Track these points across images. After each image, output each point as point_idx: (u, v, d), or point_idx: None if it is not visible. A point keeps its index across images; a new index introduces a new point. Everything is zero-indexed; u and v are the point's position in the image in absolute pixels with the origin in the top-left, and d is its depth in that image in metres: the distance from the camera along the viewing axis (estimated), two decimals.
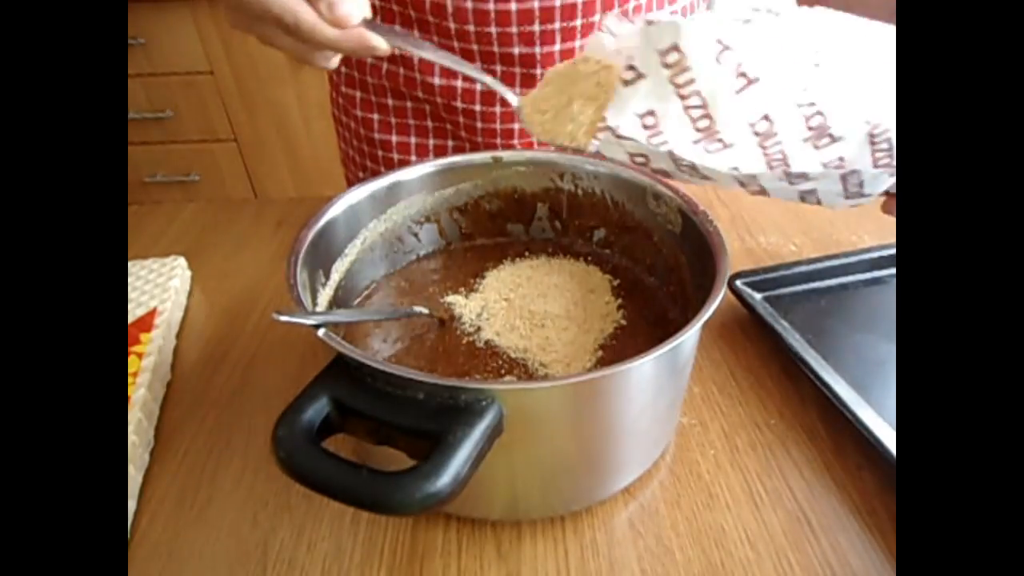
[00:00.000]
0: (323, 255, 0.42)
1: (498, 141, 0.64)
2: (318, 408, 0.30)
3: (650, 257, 0.47)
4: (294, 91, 1.55)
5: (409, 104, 0.64)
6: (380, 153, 0.68)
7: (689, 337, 0.32)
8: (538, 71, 0.60)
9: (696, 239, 0.41)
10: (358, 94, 0.66)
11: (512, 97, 0.39)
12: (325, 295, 0.42)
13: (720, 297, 0.34)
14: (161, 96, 1.54)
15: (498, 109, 0.62)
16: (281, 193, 1.70)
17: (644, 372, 0.33)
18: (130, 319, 0.49)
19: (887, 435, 0.38)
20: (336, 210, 0.43)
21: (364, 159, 0.70)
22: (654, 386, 0.34)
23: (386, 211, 0.47)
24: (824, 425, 0.42)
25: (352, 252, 0.45)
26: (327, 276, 0.43)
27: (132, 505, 0.38)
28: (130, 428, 0.39)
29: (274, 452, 0.28)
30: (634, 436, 0.36)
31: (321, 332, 0.33)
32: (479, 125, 0.63)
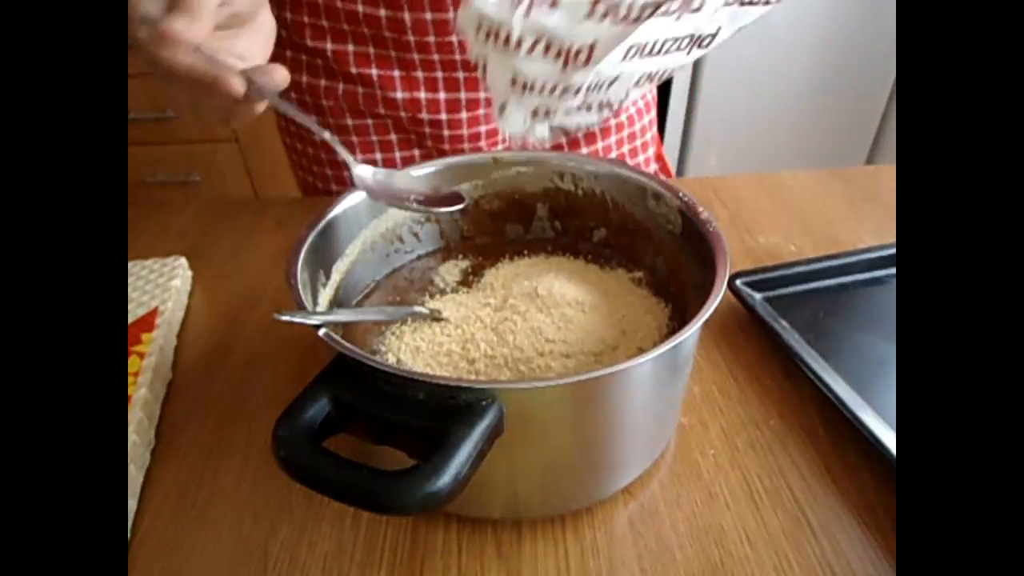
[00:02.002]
0: (323, 255, 0.42)
1: (465, 147, 0.64)
2: (318, 408, 0.30)
3: (650, 258, 0.47)
4: None
5: (370, 121, 0.64)
6: (346, 174, 0.67)
7: (689, 337, 0.32)
8: None
9: (696, 240, 0.41)
10: (313, 119, 0.65)
11: (350, 159, 0.42)
12: (325, 295, 0.42)
13: (720, 298, 0.34)
14: (161, 96, 1.54)
15: (464, 115, 0.62)
16: (281, 193, 1.70)
17: (644, 372, 0.33)
18: (131, 319, 0.49)
19: (887, 435, 0.38)
20: (336, 210, 0.43)
21: (329, 183, 0.69)
22: (654, 386, 0.34)
23: (387, 211, 0.47)
24: (824, 425, 0.42)
25: (353, 252, 0.45)
26: (327, 276, 0.43)
27: (133, 505, 0.38)
28: (131, 427, 0.40)
29: (275, 452, 0.28)
30: (634, 436, 0.36)
31: (322, 332, 0.33)
32: (446, 133, 0.63)
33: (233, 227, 0.65)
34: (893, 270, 0.53)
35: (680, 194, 0.43)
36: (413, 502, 0.26)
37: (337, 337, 0.32)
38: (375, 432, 0.31)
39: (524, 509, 0.37)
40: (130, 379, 0.43)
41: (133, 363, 0.45)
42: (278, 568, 0.35)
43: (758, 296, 0.50)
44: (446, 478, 0.26)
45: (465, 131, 0.63)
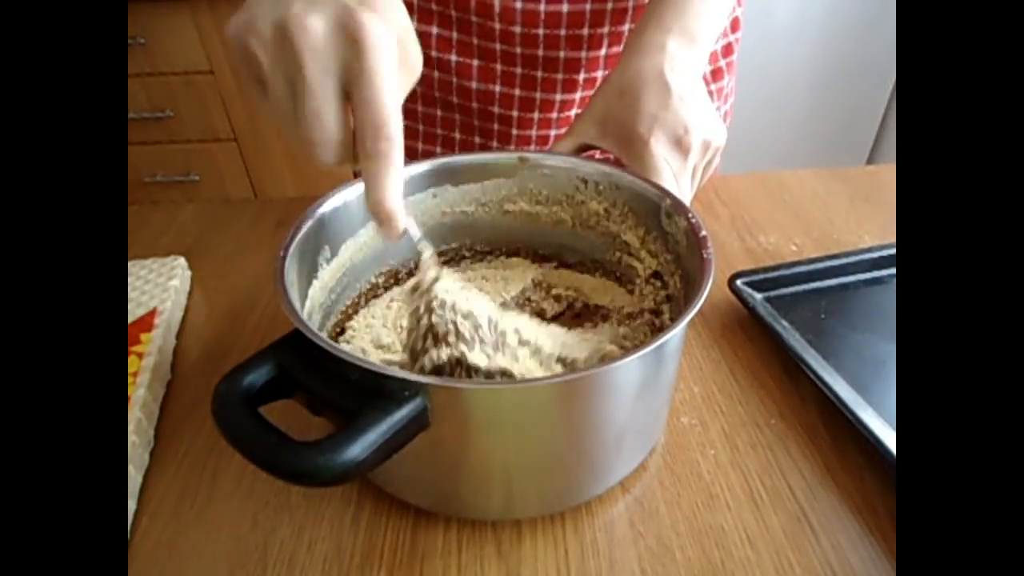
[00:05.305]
0: (332, 234, 0.44)
1: (532, 148, 0.63)
2: (262, 372, 0.32)
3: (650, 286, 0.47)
4: None
5: (439, 113, 0.63)
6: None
7: (621, 367, 0.31)
8: (581, 76, 0.59)
9: (691, 266, 0.40)
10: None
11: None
12: (329, 271, 0.43)
13: (689, 320, 0.33)
14: (161, 96, 1.54)
15: (536, 115, 0.61)
16: (281, 193, 1.70)
17: (580, 387, 0.32)
18: (130, 319, 0.49)
19: (887, 435, 0.38)
20: (336, 201, 0.45)
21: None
22: (599, 400, 0.33)
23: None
24: (824, 425, 0.42)
25: (364, 234, 0.46)
26: (333, 253, 0.44)
27: (132, 505, 0.38)
28: (130, 428, 0.39)
29: (211, 405, 0.30)
30: (601, 437, 0.35)
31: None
32: (514, 132, 0.62)
33: (232, 227, 0.65)
34: (893, 270, 0.53)
35: (687, 216, 0.41)
36: (301, 472, 0.27)
37: (299, 310, 0.34)
38: (311, 403, 0.32)
39: (520, 508, 0.37)
40: (129, 380, 0.43)
41: (132, 363, 0.45)
42: (277, 569, 0.35)
43: (759, 296, 0.50)
44: (344, 457, 0.27)
45: (534, 132, 0.62)
